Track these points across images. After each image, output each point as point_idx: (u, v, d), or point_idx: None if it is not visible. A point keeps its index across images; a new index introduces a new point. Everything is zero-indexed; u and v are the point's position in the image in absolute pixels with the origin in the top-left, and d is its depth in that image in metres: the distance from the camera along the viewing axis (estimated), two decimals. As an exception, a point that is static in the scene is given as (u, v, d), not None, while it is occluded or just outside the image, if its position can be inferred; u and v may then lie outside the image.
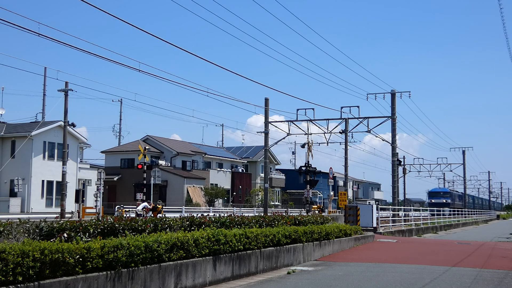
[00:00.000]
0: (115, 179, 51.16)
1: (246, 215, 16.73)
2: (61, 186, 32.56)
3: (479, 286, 10.32)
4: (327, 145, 39.72)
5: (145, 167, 34.00)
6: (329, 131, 38.53)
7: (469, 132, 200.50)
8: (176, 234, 9.46)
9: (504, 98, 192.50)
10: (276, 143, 45.13)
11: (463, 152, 75.25)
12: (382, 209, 29.85)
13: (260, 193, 58.64)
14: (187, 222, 11.17)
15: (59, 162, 36.73)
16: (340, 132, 38.03)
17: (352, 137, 38.44)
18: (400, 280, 10.96)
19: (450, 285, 10.32)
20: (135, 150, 47.48)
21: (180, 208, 36.16)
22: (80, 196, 29.89)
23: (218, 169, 57.97)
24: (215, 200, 51.72)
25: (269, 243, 12.27)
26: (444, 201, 71.77)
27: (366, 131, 37.58)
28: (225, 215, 14.10)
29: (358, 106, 37.19)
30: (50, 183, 39.43)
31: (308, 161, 34.84)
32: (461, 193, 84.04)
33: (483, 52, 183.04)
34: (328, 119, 38.50)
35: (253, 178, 63.25)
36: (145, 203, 26.35)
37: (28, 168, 38.05)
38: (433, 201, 69.52)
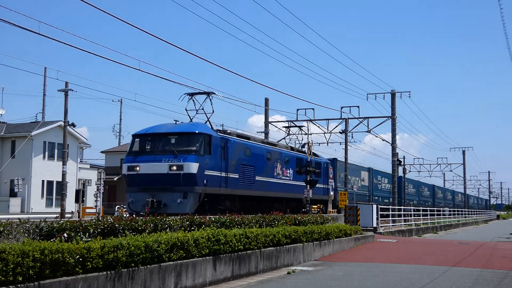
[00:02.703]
0: (115, 179, 51.11)
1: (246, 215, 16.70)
2: (61, 186, 32.55)
3: (479, 286, 10.32)
4: (327, 145, 39.72)
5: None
6: (329, 131, 38.53)
7: (469, 132, 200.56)
8: (176, 234, 9.47)
9: (504, 98, 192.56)
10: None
11: (463, 152, 75.34)
12: (382, 209, 29.80)
13: (260, 193, 58.37)
14: (187, 222, 11.17)
15: (59, 162, 36.71)
16: (340, 132, 38.01)
17: (352, 137, 38.42)
18: (400, 280, 10.96)
19: (450, 285, 10.32)
20: (135, 150, 47.35)
21: (180, 208, 35.99)
22: (80, 196, 29.82)
23: (218, 169, 57.48)
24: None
25: (269, 243, 12.27)
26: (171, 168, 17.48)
27: (366, 131, 37.62)
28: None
29: (358, 106, 37.22)
30: (50, 183, 39.42)
31: (308, 161, 34.79)
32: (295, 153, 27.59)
33: (483, 52, 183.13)
34: (328, 119, 38.51)
35: (253, 178, 62.79)
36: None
37: (28, 168, 38.03)
38: (137, 167, 17.65)
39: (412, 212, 37.92)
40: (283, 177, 24.21)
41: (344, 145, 36.88)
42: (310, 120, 37.71)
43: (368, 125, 37.28)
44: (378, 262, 14.31)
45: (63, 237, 7.83)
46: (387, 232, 27.52)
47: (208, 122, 20.01)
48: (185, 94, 20.98)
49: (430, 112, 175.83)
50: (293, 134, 33.22)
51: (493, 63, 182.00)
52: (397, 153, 38.62)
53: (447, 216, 48.85)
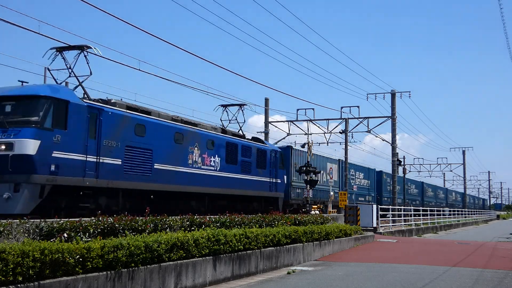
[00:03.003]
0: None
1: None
2: (61, 186, 32.51)
3: (479, 286, 10.32)
4: (327, 145, 39.68)
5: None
6: (329, 131, 38.51)
7: (469, 132, 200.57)
8: (176, 234, 9.47)
9: (504, 98, 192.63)
10: (276, 143, 45.13)
11: (463, 152, 75.26)
12: (382, 209, 29.81)
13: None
14: (187, 222, 11.18)
15: (59, 162, 36.67)
16: (340, 132, 38.00)
17: (352, 137, 38.39)
18: (400, 280, 10.96)
19: (450, 285, 10.32)
20: (135, 150, 47.10)
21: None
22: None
23: (218, 169, 57.21)
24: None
25: (269, 243, 12.28)
26: None
27: (366, 131, 37.58)
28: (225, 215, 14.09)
29: (358, 106, 37.19)
30: (50, 183, 39.37)
31: (308, 161, 34.82)
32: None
33: (483, 52, 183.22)
34: (328, 119, 38.47)
35: (253, 178, 62.52)
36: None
37: (28, 168, 37.96)
38: None
39: (412, 212, 37.95)
40: (203, 167, 18.06)
41: (344, 145, 36.88)
42: (310, 120, 37.71)
43: (368, 125, 37.28)
44: (378, 262, 14.30)
45: (63, 237, 7.83)
46: (387, 232, 27.52)
47: (80, 86, 14.50)
48: (52, 48, 14.72)
49: (430, 112, 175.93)
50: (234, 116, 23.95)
51: (493, 62, 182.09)
52: (397, 153, 38.60)
53: (447, 216, 48.87)
